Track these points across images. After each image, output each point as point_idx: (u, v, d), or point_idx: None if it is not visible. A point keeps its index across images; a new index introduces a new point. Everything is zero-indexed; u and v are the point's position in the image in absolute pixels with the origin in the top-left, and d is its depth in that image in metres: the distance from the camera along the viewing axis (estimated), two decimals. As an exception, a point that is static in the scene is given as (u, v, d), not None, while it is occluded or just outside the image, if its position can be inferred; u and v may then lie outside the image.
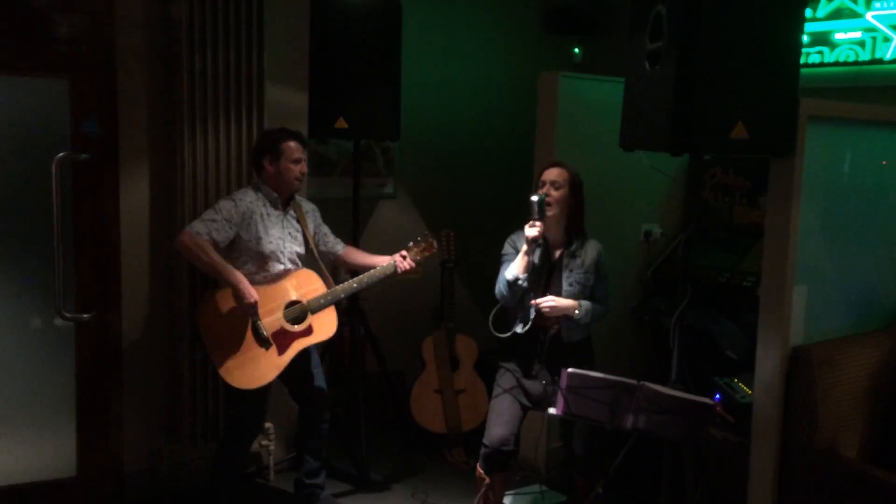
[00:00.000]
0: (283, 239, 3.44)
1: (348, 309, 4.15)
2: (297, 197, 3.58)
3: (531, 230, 3.18)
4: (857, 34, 4.07)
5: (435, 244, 3.70)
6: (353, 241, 4.10)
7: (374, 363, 4.35)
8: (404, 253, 3.60)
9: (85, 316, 3.37)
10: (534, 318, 3.23)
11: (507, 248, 3.35)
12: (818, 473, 3.06)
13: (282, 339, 3.36)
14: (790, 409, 3.06)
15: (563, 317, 3.24)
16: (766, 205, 3.10)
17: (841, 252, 3.24)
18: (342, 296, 3.51)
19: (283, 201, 3.49)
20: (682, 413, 2.65)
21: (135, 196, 3.64)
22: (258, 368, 3.31)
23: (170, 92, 3.62)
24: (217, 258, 3.25)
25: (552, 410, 2.90)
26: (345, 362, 4.43)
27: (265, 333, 3.31)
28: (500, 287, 3.26)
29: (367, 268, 3.59)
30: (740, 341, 3.79)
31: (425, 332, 4.51)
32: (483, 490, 3.34)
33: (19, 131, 3.38)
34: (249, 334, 3.32)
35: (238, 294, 3.23)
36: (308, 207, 3.63)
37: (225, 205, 3.35)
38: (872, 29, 4.02)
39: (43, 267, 3.35)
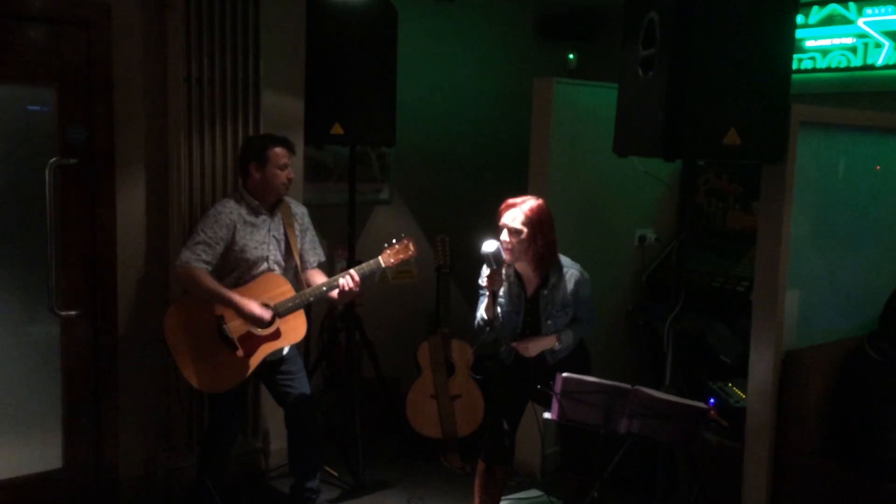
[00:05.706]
0: (266, 244, 3.45)
1: (344, 314, 4.16)
2: (288, 199, 3.56)
3: (488, 282, 3.08)
4: (850, 40, 4.10)
5: (412, 248, 3.53)
6: (349, 246, 4.12)
7: (370, 369, 4.36)
8: (352, 272, 3.42)
9: (73, 313, 3.47)
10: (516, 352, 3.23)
11: (482, 279, 3.17)
12: (811, 477, 3.07)
13: (249, 343, 3.35)
14: (783, 414, 3.08)
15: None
16: (759, 210, 3.12)
17: (833, 256, 3.27)
18: (311, 299, 3.47)
19: (269, 207, 3.48)
20: (676, 417, 2.66)
21: (131, 201, 3.65)
22: (224, 372, 3.31)
23: (166, 99, 3.64)
24: (213, 286, 3.28)
25: (547, 415, 2.90)
26: (341, 368, 4.43)
27: (231, 337, 3.31)
28: (476, 323, 3.22)
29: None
30: (734, 346, 3.81)
31: (421, 338, 4.51)
32: (485, 479, 3.34)
33: (13, 137, 3.43)
34: (215, 338, 3.32)
35: (250, 319, 3.31)
36: (297, 210, 3.61)
37: (206, 225, 3.34)
38: (864, 35, 4.04)
39: (36, 267, 3.41)
